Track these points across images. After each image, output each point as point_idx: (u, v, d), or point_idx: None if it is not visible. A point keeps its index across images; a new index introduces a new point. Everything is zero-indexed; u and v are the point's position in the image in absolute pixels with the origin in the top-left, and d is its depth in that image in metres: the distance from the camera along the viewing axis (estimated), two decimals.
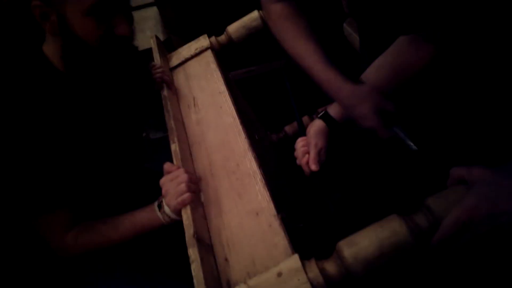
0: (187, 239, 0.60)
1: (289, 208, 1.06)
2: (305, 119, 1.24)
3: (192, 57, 1.04)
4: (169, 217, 0.71)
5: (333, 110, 0.81)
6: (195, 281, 0.54)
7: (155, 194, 0.74)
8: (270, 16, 0.84)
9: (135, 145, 0.92)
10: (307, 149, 0.78)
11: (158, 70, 0.94)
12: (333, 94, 0.74)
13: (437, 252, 0.53)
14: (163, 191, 0.70)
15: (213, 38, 1.06)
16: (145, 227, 0.75)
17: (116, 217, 0.77)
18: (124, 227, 0.76)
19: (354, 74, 0.79)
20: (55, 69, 0.73)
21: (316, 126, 0.78)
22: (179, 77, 1.02)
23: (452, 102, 0.76)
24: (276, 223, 0.62)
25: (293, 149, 0.82)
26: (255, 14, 1.04)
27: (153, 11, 1.77)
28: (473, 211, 0.47)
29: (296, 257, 0.53)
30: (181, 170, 0.70)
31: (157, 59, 1.03)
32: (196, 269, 0.55)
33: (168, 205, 0.69)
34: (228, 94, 0.89)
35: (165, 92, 0.92)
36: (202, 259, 0.57)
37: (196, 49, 1.04)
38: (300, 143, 0.81)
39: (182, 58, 1.05)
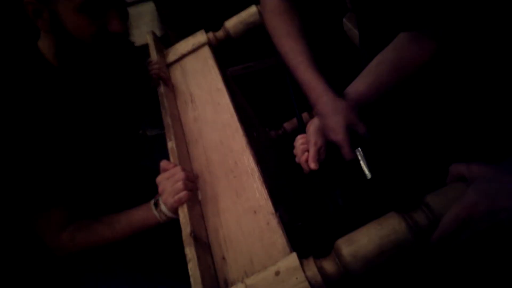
0: (184, 237, 0.60)
1: (288, 207, 1.06)
2: (304, 115, 1.23)
3: (189, 53, 1.03)
4: (166, 215, 0.70)
5: None
6: (192, 280, 0.54)
7: (152, 192, 0.73)
8: (265, 9, 0.83)
9: (131, 142, 0.91)
10: (307, 147, 0.77)
11: (155, 67, 0.93)
12: (311, 98, 0.74)
13: (436, 250, 0.52)
14: (160, 189, 0.70)
15: (210, 34, 1.04)
16: (141, 225, 0.75)
17: (112, 216, 0.77)
18: (120, 225, 0.76)
19: (353, 69, 0.78)
20: (50, 65, 0.73)
21: (316, 124, 0.77)
22: (176, 74, 1.01)
23: (452, 99, 0.76)
24: (274, 222, 0.62)
25: (292, 146, 0.81)
26: (253, 9, 1.03)
27: (150, 6, 1.76)
28: (472, 208, 0.46)
29: (294, 255, 0.53)
30: (178, 168, 0.70)
31: (153, 55, 1.02)
32: (193, 268, 0.55)
33: (164, 204, 0.69)
34: (226, 90, 0.88)
35: (161, 89, 0.91)
36: (199, 258, 0.56)
37: (193, 44, 1.03)
38: (299, 140, 0.80)
39: (179, 54, 1.04)
